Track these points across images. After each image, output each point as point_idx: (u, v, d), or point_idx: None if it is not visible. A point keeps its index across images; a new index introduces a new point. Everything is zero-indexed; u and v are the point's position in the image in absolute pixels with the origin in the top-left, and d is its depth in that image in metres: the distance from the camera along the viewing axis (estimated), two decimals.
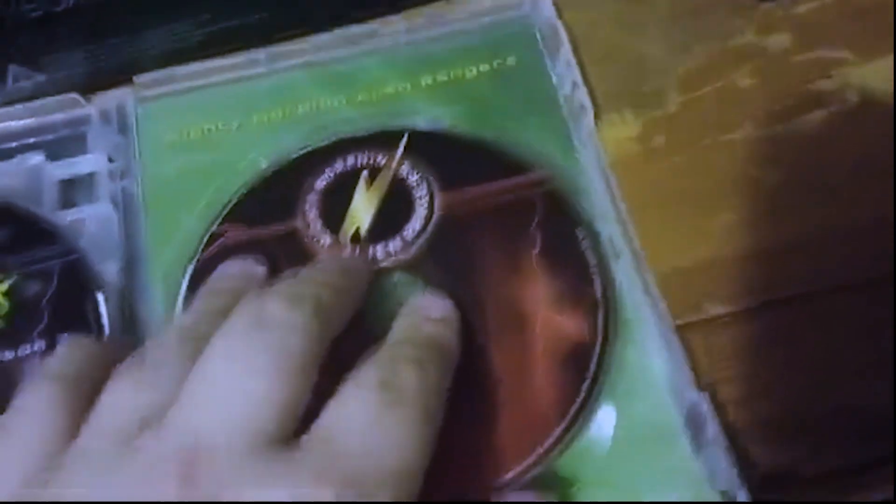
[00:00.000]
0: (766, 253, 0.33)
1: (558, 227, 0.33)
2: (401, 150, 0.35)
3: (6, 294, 0.32)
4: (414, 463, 0.24)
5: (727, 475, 0.28)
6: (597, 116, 0.35)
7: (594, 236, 0.33)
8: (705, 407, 0.29)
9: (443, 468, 0.28)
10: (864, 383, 0.30)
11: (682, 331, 0.31)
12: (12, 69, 0.36)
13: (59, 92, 0.36)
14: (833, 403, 0.30)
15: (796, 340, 0.32)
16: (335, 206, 0.34)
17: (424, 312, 0.30)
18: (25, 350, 0.31)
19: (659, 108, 0.36)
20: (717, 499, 0.29)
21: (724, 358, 0.31)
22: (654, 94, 0.36)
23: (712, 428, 0.29)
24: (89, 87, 0.37)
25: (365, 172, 0.34)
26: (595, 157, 0.34)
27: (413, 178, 0.34)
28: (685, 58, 0.37)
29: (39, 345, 0.31)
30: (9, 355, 0.31)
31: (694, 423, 0.30)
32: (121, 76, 0.37)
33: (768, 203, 0.34)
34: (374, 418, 0.24)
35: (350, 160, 0.35)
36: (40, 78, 0.36)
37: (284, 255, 0.33)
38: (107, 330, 0.31)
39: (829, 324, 0.32)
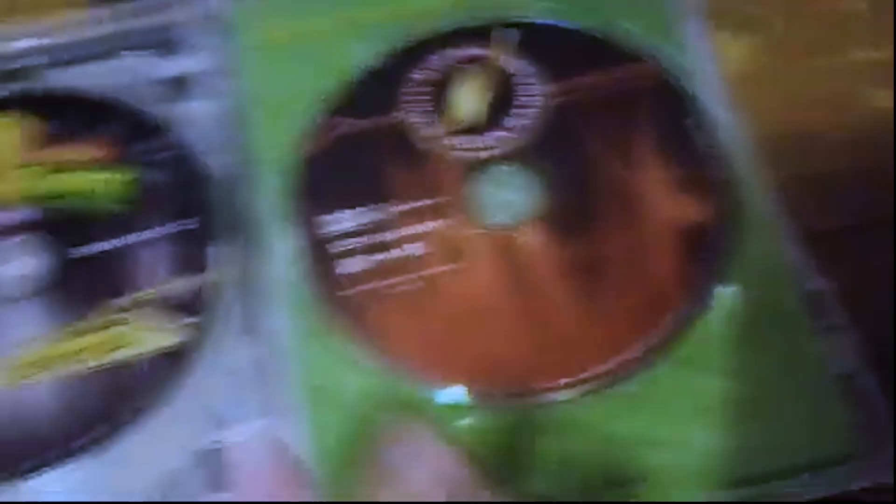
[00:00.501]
0: (876, 171, 0.33)
1: (671, 115, 0.33)
2: (506, 41, 0.34)
3: (129, 181, 0.32)
4: None
5: (849, 359, 0.28)
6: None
7: (706, 123, 0.32)
8: (829, 293, 0.29)
9: (560, 345, 0.29)
10: None
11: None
12: None
13: None
14: None
15: None
16: (440, 97, 0.34)
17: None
18: (147, 234, 0.31)
19: (765, 29, 0.36)
20: (834, 383, 0.28)
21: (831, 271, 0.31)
22: (761, 16, 0.36)
23: (836, 313, 0.29)
24: None
25: (470, 64, 0.34)
26: (705, 51, 0.34)
27: (519, 69, 0.34)
28: None
29: (159, 230, 0.32)
30: (132, 239, 0.31)
31: (816, 309, 0.29)
32: None
33: (878, 123, 0.34)
34: None
35: (454, 52, 0.35)
36: None
37: (392, 146, 0.33)
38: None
39: None
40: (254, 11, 0.37)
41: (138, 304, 0.30)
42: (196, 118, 0.35)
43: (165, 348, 0.30)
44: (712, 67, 0.33)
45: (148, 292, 0.31)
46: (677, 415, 0.28)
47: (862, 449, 0.28)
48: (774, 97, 0.34)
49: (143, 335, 0.30)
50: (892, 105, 0.34)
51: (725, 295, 0.30)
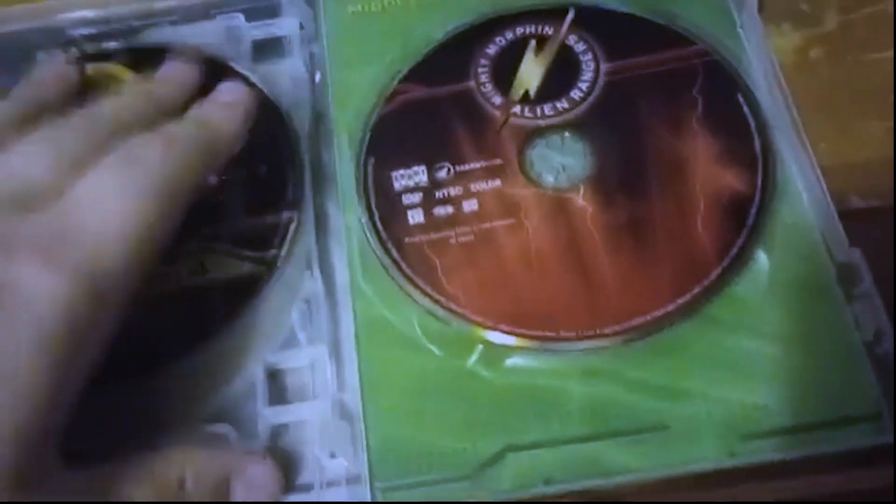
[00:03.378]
0: None
1: (719, 92, 0.35)
2: (568, 21, 0.37)
3: None
4: (141, 230, 0.26)
5: (877, 323, 0.30)
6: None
7: (753, 102, 0.34)
8: (860, 262, 0.31)
9: (605, 296, 0.31)
10: None
11: None
12: None
13: None
14: None
15: None
16: (505, 70, 0.37)
17: (216, 96, 0.32)
18: (230, 176, 0.35)
19: (818, 25, 0.38)
20: (861, 348, 0.30)
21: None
22: (814, 12, 0.39)
23: (867, 281, 0.31)
24: None
25: (533, 41, 0.37)
26: (757, 36, 0.36)
27: (579, 48, 0.37)
28: None
29: (242, 171, 0.35)
30: (217, 179, 0.35)
31: (846, 278, 0.31)
32: None
33: None
34: (109, 188, 0.26)
35: (519, 30, 0.37)
36: None
37: (458, 112, 0.36)
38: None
39: None
40: None
41: (223, 237, 0.33)
42: (280, 78, 0.38)
43: (244, 275, 0.33)
44: (763, 51, 0.35)
45: (226, 227, 0.34)
46: (704, 369, 0.30)
47: (886, 408, 0.29)
48: (821, 86, 0.36)
49: (225, 263, 0.33)
50: None
51: (760, 261, 0.32)
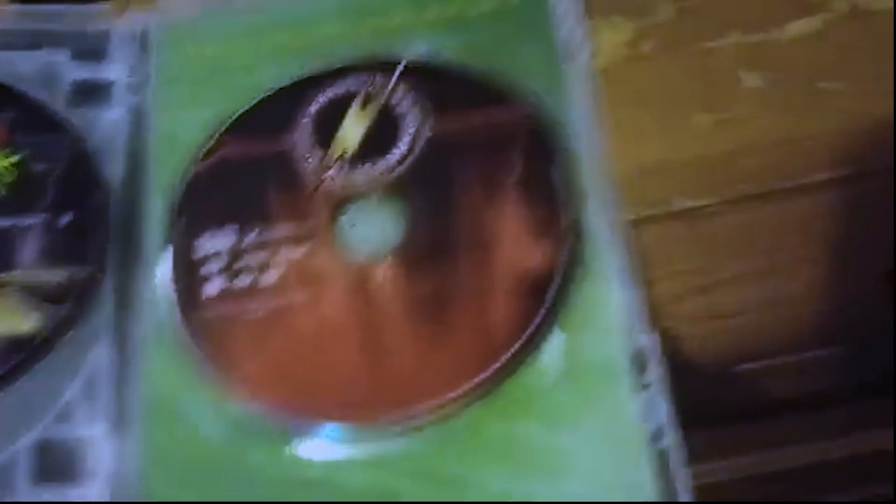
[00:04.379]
0: (742, 152, 0.33)
1: (537, 158, 0.33)
2: (395, 77, 0.35)
3: (15, 165, 0.34)
4: None
5: (658, 417, 0.29)
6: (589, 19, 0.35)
7: (569, 170, 0.33)
8: (652, 348, 0.30)
9: (392, 380, 0.30)
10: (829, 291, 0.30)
11: (644, 223, 0.32)
12: None
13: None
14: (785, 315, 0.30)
15: (758, 238, 0.32)
16: (328, 128, 0.35)
17: None
18: (25, 220, 0.33)
19: (650, 15, 0.37)
20: (646, 443, 0.29)
21: (681, 251, 0.31)
22: (646, 2, 0.37)
23: (655, 369, 0.29)
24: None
25: (359, 98, 0.35)
26: (582, 91, 0.34)
27: (404, 105, 0.35)
28: None
29: (42, 217, 0.33)
30: (7, 222, 0.33)
31: (639, 363, 0.30)
32: None
33: (751, 105, 0.34)
34: None
35: (347, 85, 0.36)
36: None
37: (275, 172, 0.34)
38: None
39: (798, 223, 0.32)
40: (173, 31, 0.38)
41: (14, 287, 0.32)
42: (98, 125, 0.36)
43: (22, 332, 0.31)
44: (586, 110, 0.34)
45: (16, 275, 0.32)
46: (488, 460, 0.29)
47: None
48: (653, 80, 0.34)
49: (10, 316, 0.31)
50: (763, 86, 0.34)
51: (557, 343, 0.30)
